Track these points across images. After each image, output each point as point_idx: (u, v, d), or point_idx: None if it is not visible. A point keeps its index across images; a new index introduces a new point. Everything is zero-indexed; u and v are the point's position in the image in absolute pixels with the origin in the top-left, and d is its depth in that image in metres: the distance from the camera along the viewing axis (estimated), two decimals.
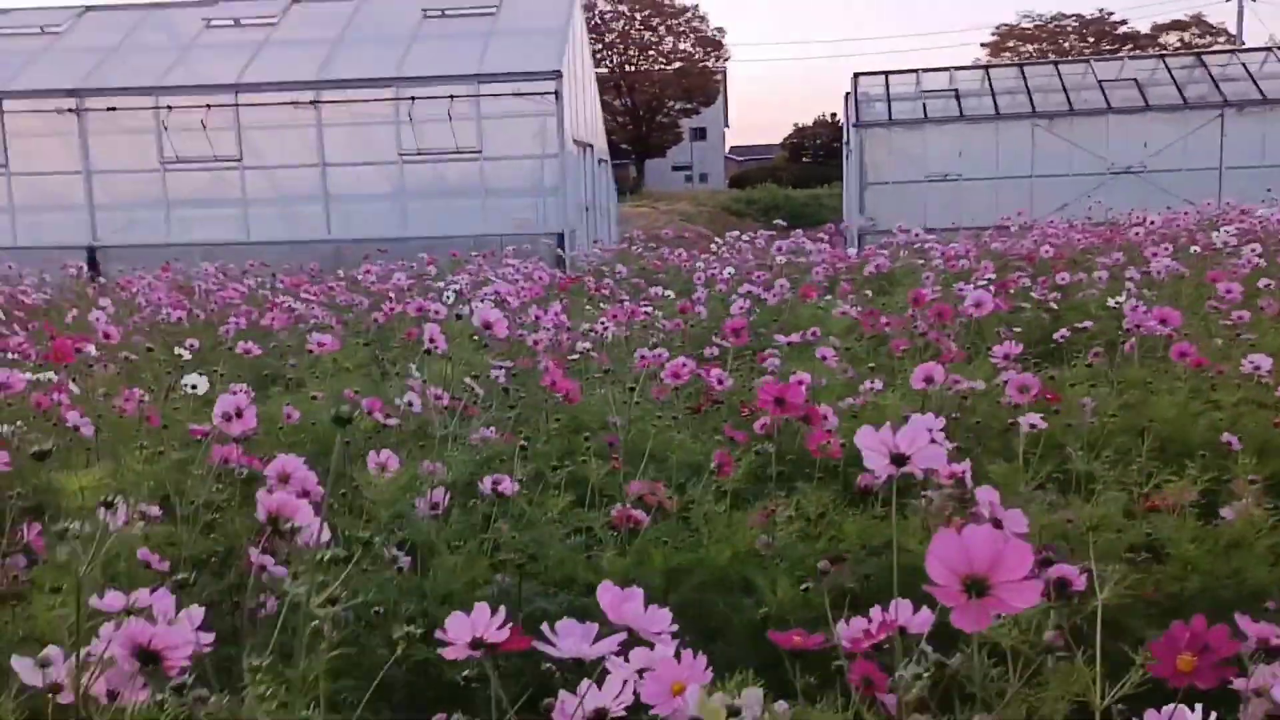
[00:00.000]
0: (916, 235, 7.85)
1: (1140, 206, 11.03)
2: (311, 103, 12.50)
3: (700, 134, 53.91)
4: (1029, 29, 46.39)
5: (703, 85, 46.76)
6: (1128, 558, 1.96)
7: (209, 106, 12.32)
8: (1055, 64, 16.25)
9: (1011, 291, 6.10)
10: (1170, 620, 1.84)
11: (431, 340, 2.56)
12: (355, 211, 12.96)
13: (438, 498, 1.82)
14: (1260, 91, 14.83)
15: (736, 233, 9.71)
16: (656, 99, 46.29)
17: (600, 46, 46.07)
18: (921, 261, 7.54)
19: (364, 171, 12.99)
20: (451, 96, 12.55)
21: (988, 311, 2.85)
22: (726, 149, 58.83)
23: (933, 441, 2.09)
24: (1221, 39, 39.92)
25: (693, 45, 46.70)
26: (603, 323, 4.43)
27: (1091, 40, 43.54)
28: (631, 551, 1.64)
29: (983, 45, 46.07)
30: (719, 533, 1.64)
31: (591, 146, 15.59)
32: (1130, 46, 39.94)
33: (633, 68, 46.16)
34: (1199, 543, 1.92)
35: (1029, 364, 3.30)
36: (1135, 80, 15.59)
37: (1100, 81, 15.74)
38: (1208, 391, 2.98)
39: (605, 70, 46.06)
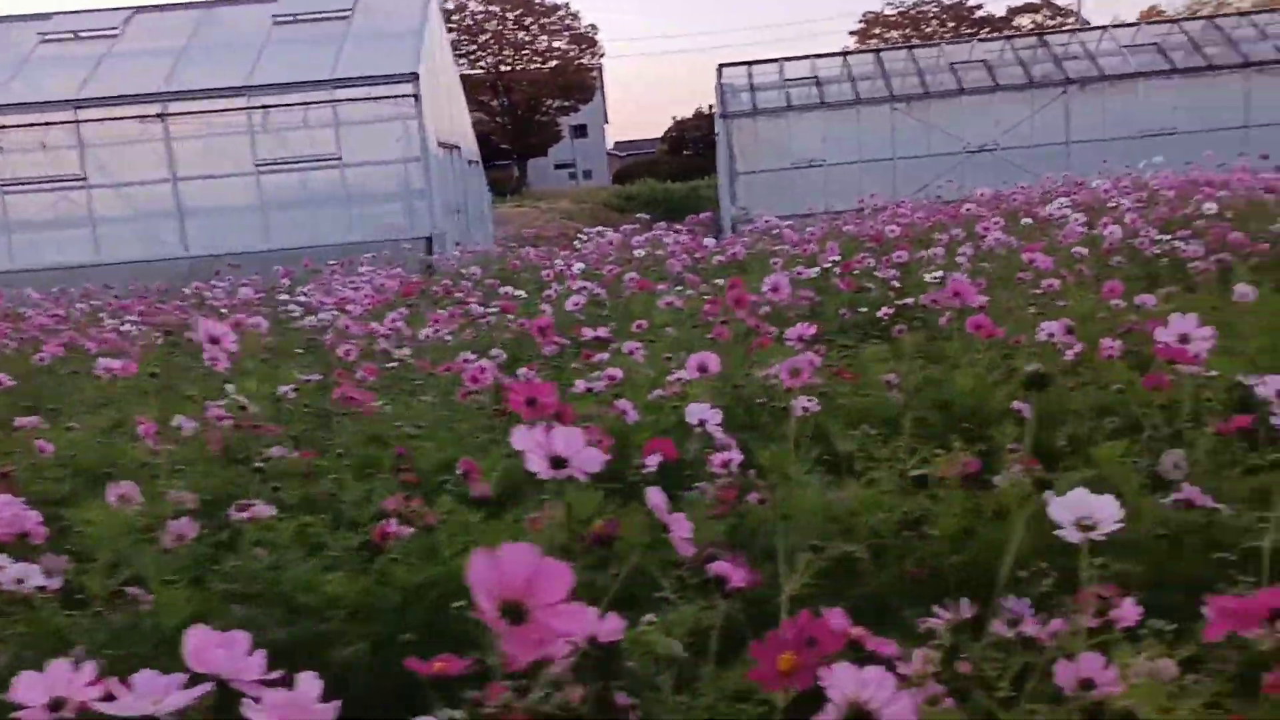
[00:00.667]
0: (767, 222, 7.93)
1: (996, 183, 11.40)
2: (158, 115, 12.05)
3: (581, 131, 53.88)
4: (893, 16, 47.55)
5: (580, 83, 46.70)
6: (904, 536, 1.99)
7: (48, 124, 11.77)
8: (910, 48, 16.66)
9: (856, 272, 6.23)
10: (938, 599, 1.86)
11: (213, 357, 2.47)
12: (212, 226, 12.54)
13: (181, 529, 1.74)
14: (1099, 69, 15.44)
15: (599, 228, 9.69)
16: (534, 98, 46.04)
17: (474, 47, 45.66)
18: (778, 247, 7.65)
19: (220, 184, 12.57)
20: (306, 103, 12.24)
21: (785, 296, 2.87)
22: (609, 145, 58.95)
23: (704, 423, 2.09)
24: (1071, 20, 41.57)
25: (567, 43, 46.59)
26: (434, 327, 4.36)
27: (951, 25, 44.87)
28: (374, 571, 1.59)
29: (851, 34, 47.04)
30: (463, 543, 1.60)
31: (459, 148, 15.39)
32: (987, 29, 41.27)
33: (508, 68, 45.81)
34: (963, 516, 1.95)
35: (836, 344, 3.35)
36: (985, 62, 16.07)
37: (952, 64, 16.19)
38: (1005, 363, 3.06)
39: (481, 71, 45.69)
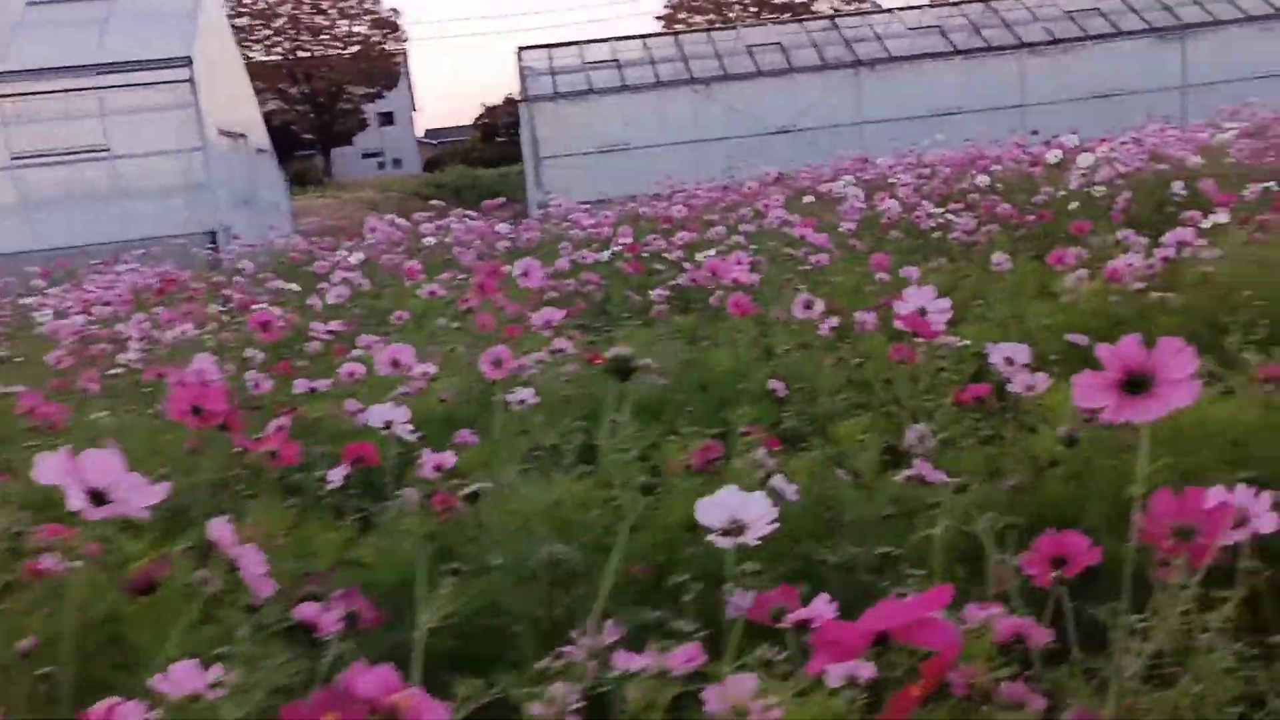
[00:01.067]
0: (560, 206, 7.77)
1: (795, 163, 11.61)
2: None
3: (389, 119, 52.47)
4: (697, 2, 48.18)
5: (384, 69, 45.38)
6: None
7: None
8: (709, 31, 16.82)
9: (644, 255, 6.15)
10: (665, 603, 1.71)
11: None
12: None
13: None
14: (887, 50, 15.97)
15: (391, 216, 9.30)
16: (336, 85, 44.46)
17: (269, 32, 43.69)
18: (572, 232, 7.50)
19: None
20: (69, 90, 11.30)
21: (537, 282, 2.70)
22: (420, 133, 57.72)
23: (390, 425, 1.88)
24: (867, 3, 43.12)
25: (368, 28, 45.13)
26: (182, 328, 3.99)
27: (754, 10, 45.81)
28: None
29: (657, 18, 47.37)
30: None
31: (245, 136, 14.58)
32: (788, 15, 42.38)
33: (307, 54, 44.03)
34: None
35: (600, 330, 3.21)
36: (780, 44, 16.37)
37: (749, 47, 16.43)
38: (764, 341, 2.99)
39: (278, 57, 43.79)
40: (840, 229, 5.02)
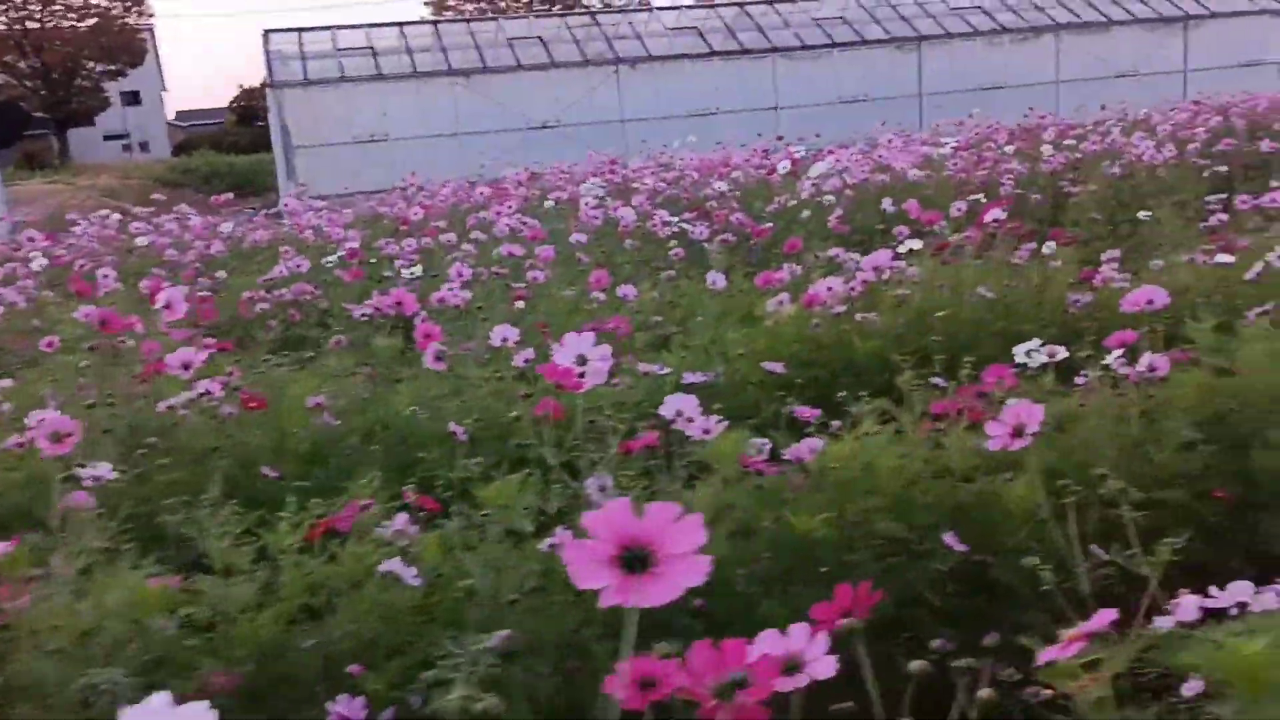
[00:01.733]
0: (286, 205, 7.31)
1: (556, 159, 11.50)
2: None
3: (134, 99, 48.88)
4: None
5: (126, 44, 42.21)
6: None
7: None
8: (468, 21, 16.44)
9: (373, 261, 5.84)
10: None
11: None
12: None
13: None
14: (646, 49, 16.10)
15: (104, 212, 8.53)
16: (72, 59, 41.04)
17: None
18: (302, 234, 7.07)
19: None
20: None
21: (179, 313, 2.38)
22: (170, 115, 54.15)
23: None
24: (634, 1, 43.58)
25: (109, 0, 41.85)
26: None
27: (526, 1, 45.45)
28: None
29: (425, 4, 46.17)
30: None
31: None
32: (560, 7, 42.26)
33: (37, 24, 40.36)
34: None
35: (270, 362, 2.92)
36: (541, 39, 16.20)
37: (510, 40, 16.17)
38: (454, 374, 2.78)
39: (2, 28, 40.03)
40: (571, 239, 4.88)
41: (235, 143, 39.10)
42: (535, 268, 4.14)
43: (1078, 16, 16.88)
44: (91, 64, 41.77)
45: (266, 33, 15.98)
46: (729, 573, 1.83)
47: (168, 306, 2.27)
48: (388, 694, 1.48)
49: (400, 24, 16.34)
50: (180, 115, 56.10)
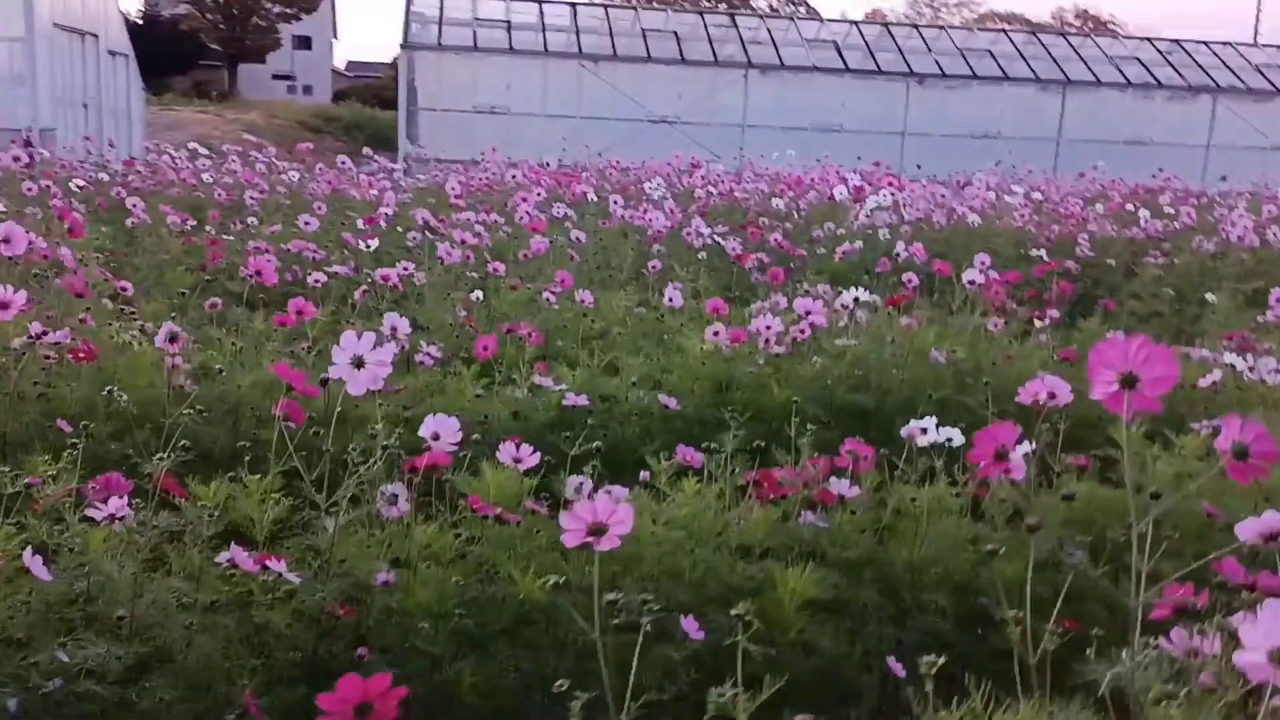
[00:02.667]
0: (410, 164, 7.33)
1: (669, 154, 11.42)
2: None
3: (305, 43, 50.66)
4: None
5: None
6: None
7: None
8: (605, 7, 16.42)
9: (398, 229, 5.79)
10: None
11: None
12: None
13: None
14: (779, 57, 15.80)
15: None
16: None
17: None
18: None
19: None
20: None
21: (20, 249, 2.31)
22: (342, 64, 56.06)
23: None
24: (803, 8, 43.00)
25: None
26: None
27: None
28: None
29: None
30: None
31: (95, 35, 13.69)
32: (723, 4, 42.05)
33: None
34: None
35: None
36: (675, 33, 16.07)
37: (645, 30, 16.08)
38: None
39: None
40: (573, 236, 4.72)
41: (388, 97, 40.15)
42: (505, 258, 3.99)
43: (1242, 82, 15.86)
44: (269, 5, 43.37)
45: None
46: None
47: (5, 241, 2.21)
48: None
49: (541, 1, 16.40)
50: (350, 65, 57.94)
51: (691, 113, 15.67)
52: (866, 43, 16.28)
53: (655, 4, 19.21)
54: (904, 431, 2.01)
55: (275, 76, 48.65)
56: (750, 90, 15.73)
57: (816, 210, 6.91)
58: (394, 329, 2.72)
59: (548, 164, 11.78)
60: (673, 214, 5.48)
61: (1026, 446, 2.08)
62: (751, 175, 7.99)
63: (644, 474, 2.01)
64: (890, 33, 16.36)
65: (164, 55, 40.21)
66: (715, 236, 5.47)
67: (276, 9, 43.32)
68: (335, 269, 3.80)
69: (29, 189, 5.01)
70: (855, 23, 16.73)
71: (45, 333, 2.14)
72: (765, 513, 1.89)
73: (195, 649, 1.47)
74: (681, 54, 15.82)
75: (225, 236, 5.26)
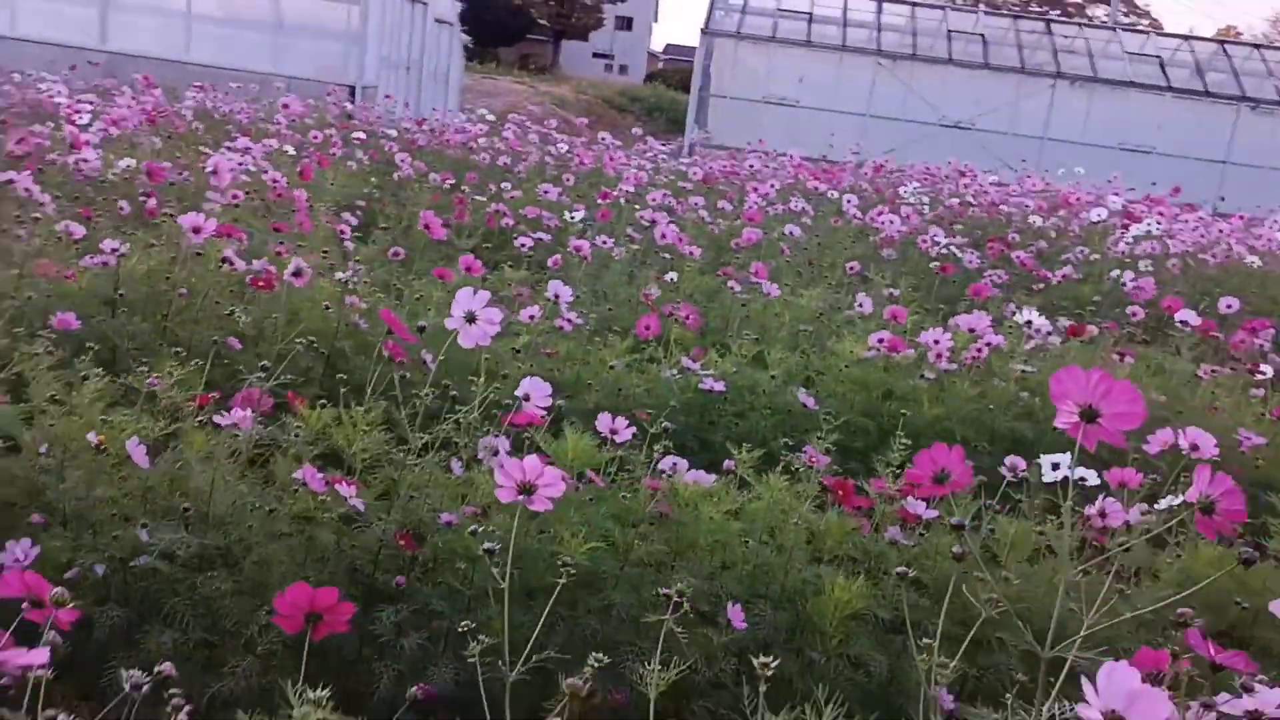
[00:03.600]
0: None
1: (965, 159, 11.11)
2: None
3: (626, 24, 52.57)
4: None
5: None
6: None
7: None
8: (912, 5, 15.94)
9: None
10: None
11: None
12: (137, 23, 12.13)
13: None
14: (1093, 69, 14.80)
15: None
16: None
17: None
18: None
19: None
20: None
21: (226, 180, 2.57)
22: (660, 46, 57.69)
23: None
24: (1144, 20, 39.90)
25: None
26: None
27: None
28: None
29: None
30: None
31: (425, 4, 14.83)
32: (1058, 12, 39.67)
33: None
34: None
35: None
36: (983, 36, 15.41)
37: (950, 31, 15.53)
38: None
39: None
40: (787, 230, 4.67)
41: None
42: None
43: None
44: None
45: None
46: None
47: (214, 172, 2.49)
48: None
49: None
50: (667, 48, 59.50)
51: (988, 120, 15.00)
52: (1196, 60, 14.93)
53: (969, 5, 18.47)
54: (1007, 462, 1.88)
55: (595, 55, 50.80)
56: (1056, 101, 14.84)
57: (1086, 232, 6.48)
58: (556, 295, 2.83)
59: (823, 158, 11.66)
60: (909, 219, 5.30)
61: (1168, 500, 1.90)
62: (1018, 189, 7.56)
63: (729, 463, 2.00)
64: (1226, 51, 14.91)
65: (496, 27, 42.98)
66: (952, 247, 5.26)
67: None
68: (537, 235, 3.97)
69: (315, 136, 5.55)
70: (1189, 37, 15.37)
71: (229, 260, 2.39)
72: (841, 520, 1.83)
73: (256, 550, 1.62)
74: (986, 58, 15.15)
75: (477, 196, 5.61)
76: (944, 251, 5.18)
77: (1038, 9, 43.74)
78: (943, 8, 16.09)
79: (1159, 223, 5.20)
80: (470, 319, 1.92)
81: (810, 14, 15.94)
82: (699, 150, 14.29)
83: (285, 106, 6.37)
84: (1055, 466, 2.06)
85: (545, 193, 5.14)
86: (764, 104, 15.64)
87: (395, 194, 5.57)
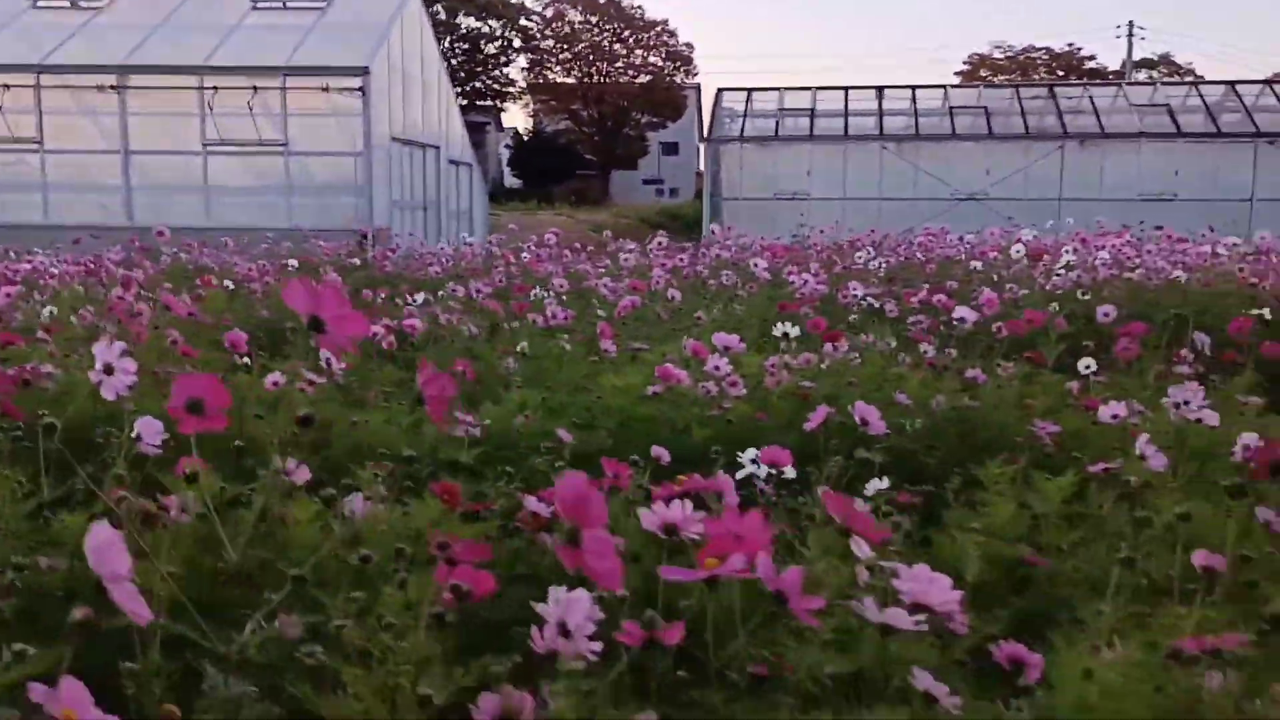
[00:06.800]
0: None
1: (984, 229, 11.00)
2: (114, 88, 12.45)
3: (672, 149, 53.90)
4: (1000, 60, 46.44)
5: (670, 100, 46.67)
6: None
7: (6, 86, 12.28)
8: (913, 89, 16.10)
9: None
10: None
11: None
12: (159, 202, 12.87)
13: None
14: (1100, 125, 14.68)
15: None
16: (623, 112, 46.27)
17: (569, 56, 46.22)
18: None
19: (169, 160, 12.92)
20: (254, 88, 12.48)
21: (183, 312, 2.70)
22: (703, 165, 59.01)
23: None
24: (1189, 77, 39.65)
25: (662, 59, 46.68)
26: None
27: (1061, 74, 43.33)
28: None
29: (956, 74, 45.83)
30: None
31: (436, 147, 15.49)
32: (1096, 79, 39.77)
33: (601, 79, 46.17)
34: None
35: None
36: (985, 108, 15.45)
37: (952, 108, 15.61)
38: None
39: (574, 80, 46.26)
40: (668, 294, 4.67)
41: None
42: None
43: None
44: (639, 116, 46.71)
45: (720, 91, 16.94)
46: None
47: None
48: None
49: (845, 88, 16.42)
50: None
51: (1001, 188, 14.92)
52: (1207, 105, 14.72)
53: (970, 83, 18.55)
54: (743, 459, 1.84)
55: (645, 181, 52.11)
56: (1067, 161, 14.71)
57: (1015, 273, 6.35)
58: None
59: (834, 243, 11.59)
60: (819, 275, 5.26)
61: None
62: (974, 240, 7.46)
63: None
64: (1236, 92, 14.68)
65: (545, 167, 44.46)
66: (868, 298, 5.19)
67: (645, 119, 46.61)
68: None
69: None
70: (1195, 82, 15.23)
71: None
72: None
73: None
74: (990, 128, 15.15)
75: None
76: (861, 304, 5.12)
77: (1049, 71, 44.14)
78: (944, 87, 16.22)
79: (1073, 251, 5.06)
80: (109, 370, 1.97)
81: (812, 109, 16.22)
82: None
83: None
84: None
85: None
86: (776, 200, 15.82)
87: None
